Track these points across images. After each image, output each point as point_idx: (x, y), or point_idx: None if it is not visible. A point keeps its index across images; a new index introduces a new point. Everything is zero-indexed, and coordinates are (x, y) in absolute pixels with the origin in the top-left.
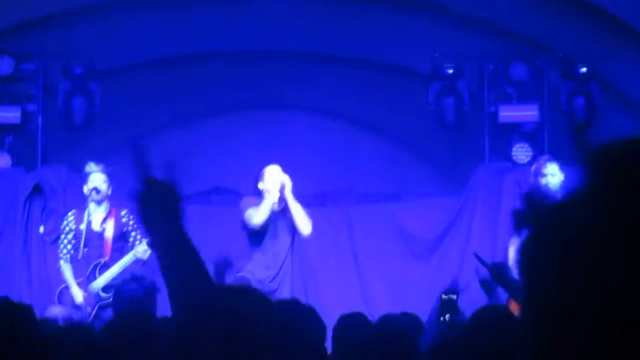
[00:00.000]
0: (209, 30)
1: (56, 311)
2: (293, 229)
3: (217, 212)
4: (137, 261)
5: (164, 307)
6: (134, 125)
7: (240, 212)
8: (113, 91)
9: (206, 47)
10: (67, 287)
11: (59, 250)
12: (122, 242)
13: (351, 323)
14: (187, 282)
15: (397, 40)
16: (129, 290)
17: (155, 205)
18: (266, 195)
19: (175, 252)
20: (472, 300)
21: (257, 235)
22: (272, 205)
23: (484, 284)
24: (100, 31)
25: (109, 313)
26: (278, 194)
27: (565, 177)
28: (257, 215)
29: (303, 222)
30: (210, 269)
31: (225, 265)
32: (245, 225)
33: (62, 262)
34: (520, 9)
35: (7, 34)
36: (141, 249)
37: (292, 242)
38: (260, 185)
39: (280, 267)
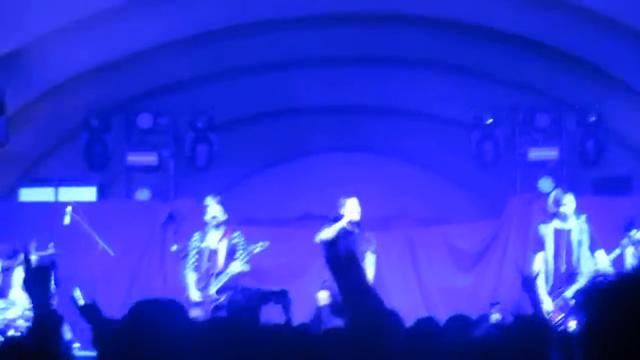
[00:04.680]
0: (301, 91)
1: (195, 313)
2: (361, 249)
3: (307, 234)
4: (240, 273)
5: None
6: (244, 166)
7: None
8: (228, 139)
9: (300, 103)
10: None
11: (187, 263)
12: (231, 256)
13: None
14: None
15: (446, 98)
16: (235, 301)
17: None
18: (343, 218)
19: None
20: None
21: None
22: (346, 225)
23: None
24: (217, 93)
25: (222, 312)
26: (348, 219)
27: (577, 204)
28: (324, 233)
29: None
30: (305, 280)
31: (316, 277)
32: (322, 245)
33: (188, 270)
34: (542, 72)
35: (146, 96)
36: (234, 267)
37: (362, 260)
38: (340, 211)
39: None
